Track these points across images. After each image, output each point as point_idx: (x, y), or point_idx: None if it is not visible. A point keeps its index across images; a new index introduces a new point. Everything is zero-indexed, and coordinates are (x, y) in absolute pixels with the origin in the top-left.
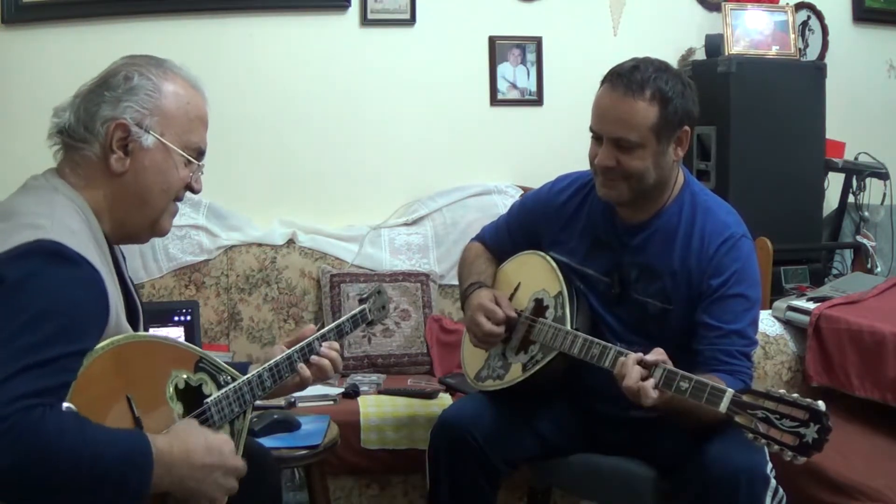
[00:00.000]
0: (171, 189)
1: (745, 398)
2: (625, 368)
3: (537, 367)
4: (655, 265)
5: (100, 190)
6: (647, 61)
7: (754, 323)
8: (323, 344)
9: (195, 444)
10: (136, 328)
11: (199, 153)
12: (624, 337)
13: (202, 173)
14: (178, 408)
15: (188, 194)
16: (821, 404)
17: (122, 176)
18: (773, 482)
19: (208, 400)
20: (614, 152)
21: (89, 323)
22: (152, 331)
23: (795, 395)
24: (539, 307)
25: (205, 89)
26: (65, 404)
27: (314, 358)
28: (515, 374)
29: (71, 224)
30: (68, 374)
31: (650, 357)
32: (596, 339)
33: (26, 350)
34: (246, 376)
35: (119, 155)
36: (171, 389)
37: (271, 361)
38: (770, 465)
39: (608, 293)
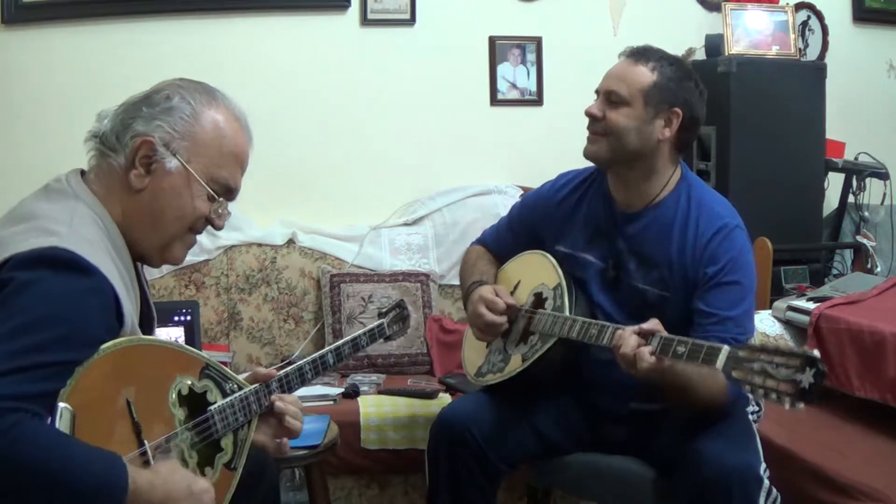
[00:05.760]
0: (185, 218)
1: (740, 353)
2: (621, 339)
3: (537, 355)
4: (652, 255)
5: (117, 203)
6: (662, 50)
7: (749, 312)
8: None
9: (178, 491)
10: None
11: (227, 190)
12: (622, 325)
13: (228, 212)
14: (180, 414)
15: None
16: (815, 352)
17: (139, 194)
18: (767, 483)
19: (212, 408)
20: (604, 105)
21: (90, 334)
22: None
23: (791, 346)
24: (538, 300)
25: (251, 131)
26: (61, 404)
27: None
28: (515, 364)
29: (87, 234)
30: (57, 383)
31: (647, 326)
32: (594, 321)
33: (20, 353)
34: (253, 385)
35: (140, 171)
36: (174, 395)
37: (279, 374)
38: (764, 466)
39: (604, 276)
